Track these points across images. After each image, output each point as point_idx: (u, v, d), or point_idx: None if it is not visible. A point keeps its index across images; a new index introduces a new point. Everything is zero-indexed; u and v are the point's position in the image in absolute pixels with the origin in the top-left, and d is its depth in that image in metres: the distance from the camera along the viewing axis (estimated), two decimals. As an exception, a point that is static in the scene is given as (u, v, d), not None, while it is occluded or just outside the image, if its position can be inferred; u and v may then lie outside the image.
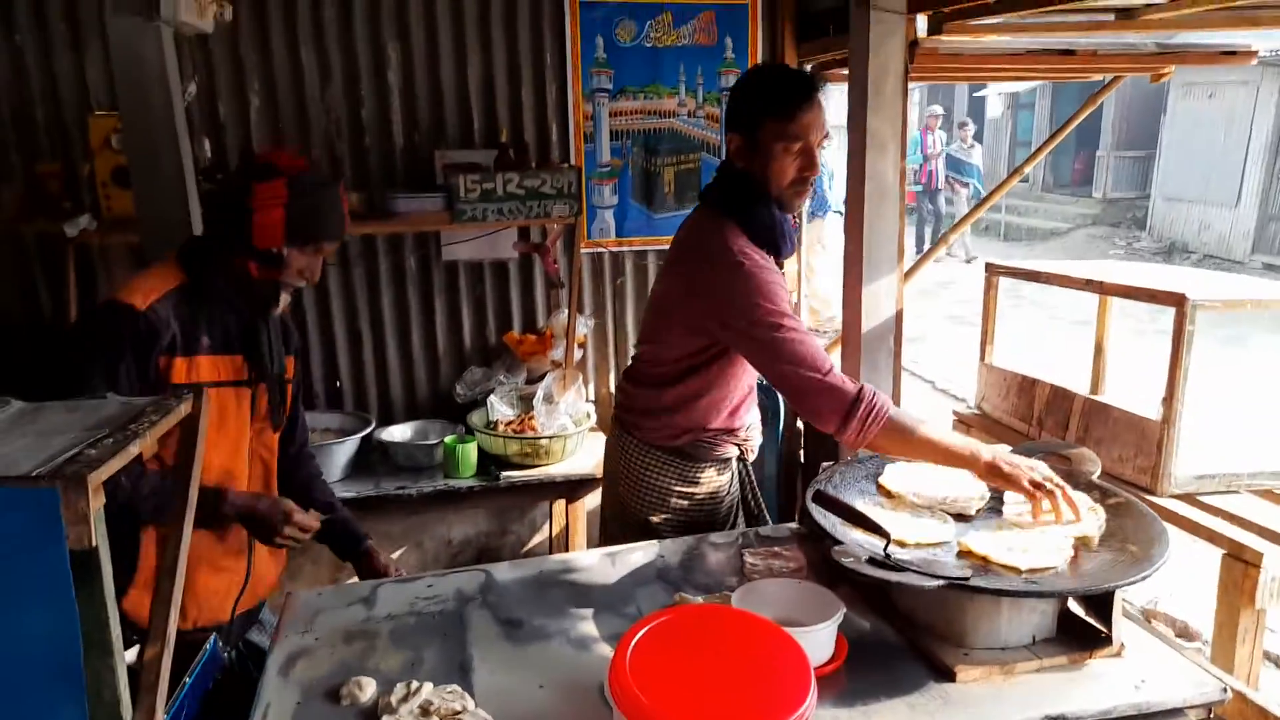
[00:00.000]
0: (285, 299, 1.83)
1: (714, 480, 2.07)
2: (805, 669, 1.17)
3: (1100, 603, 1.45)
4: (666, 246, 3.35)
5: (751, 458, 2.16)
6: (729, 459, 2.08)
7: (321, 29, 3.13)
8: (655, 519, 2.06)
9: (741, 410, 2.05)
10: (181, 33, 2.23)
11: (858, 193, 2.55)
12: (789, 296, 1.83)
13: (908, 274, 3.53)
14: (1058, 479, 1.63)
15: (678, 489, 2.04)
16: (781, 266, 1.94)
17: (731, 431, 2.04)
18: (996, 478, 1.65)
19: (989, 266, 3.11)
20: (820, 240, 4.78)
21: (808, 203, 3.82)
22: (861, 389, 1.70)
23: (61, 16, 2.94)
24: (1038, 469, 1.64)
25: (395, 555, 3.36)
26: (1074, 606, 1.53)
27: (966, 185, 12.40)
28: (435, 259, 3.40)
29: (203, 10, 2.23)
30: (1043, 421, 2.74)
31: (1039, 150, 3.93)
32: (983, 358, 3.12)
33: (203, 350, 1.74)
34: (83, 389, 1.57)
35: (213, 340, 1.76)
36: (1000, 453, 1.67)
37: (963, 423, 3.14)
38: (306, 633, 1.59)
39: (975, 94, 17.42)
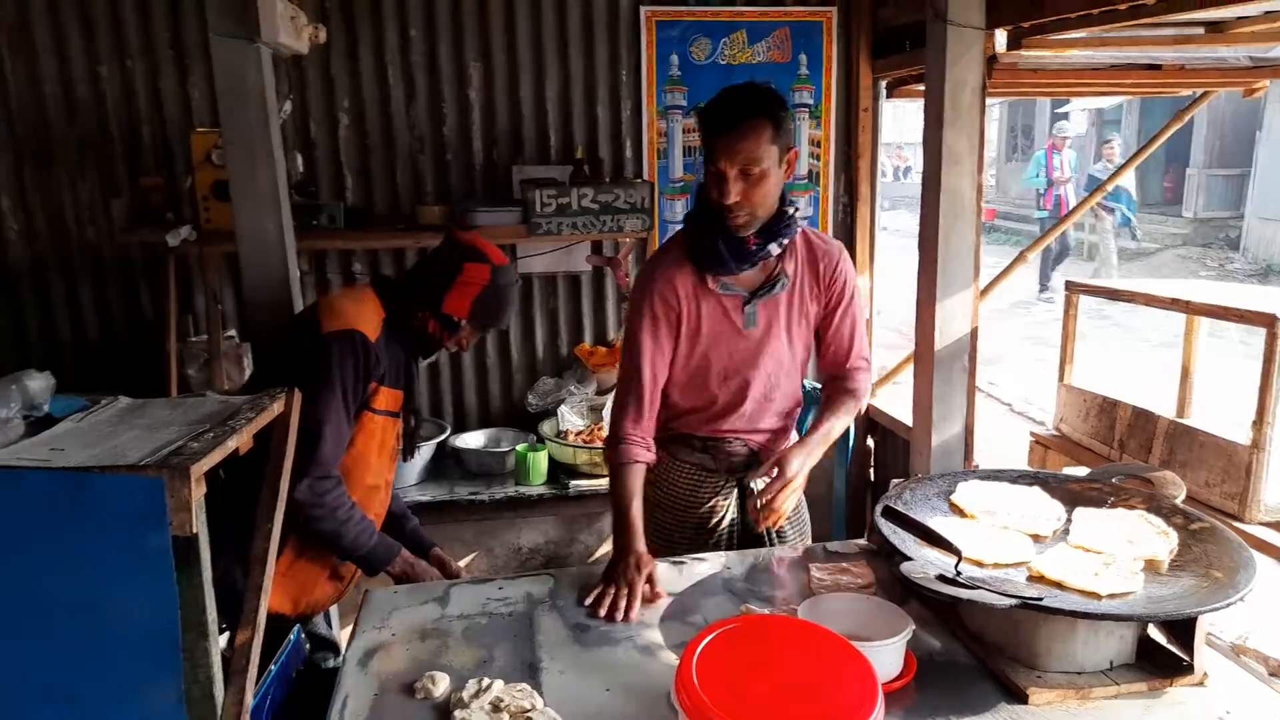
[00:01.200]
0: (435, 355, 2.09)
1: (685, 485, 2.04)
2: (872, 682, 1.17)
3: (1182, 629, 1.40)
4: (737, 261, 3.38)
5: (752, 482, 2.04)
6: (709, 469, 2.04)
7: (408, 49, 3.26)
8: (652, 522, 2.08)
9: (715, 414, 2.01)
10: (279, 54, 2.35)
11: (933, 208, 2.53)
12: (655, 326, 1.90)
13: (984, 291, 3.47)
14: (635, 582, 1.71)
15: (649, 488, 2.05)
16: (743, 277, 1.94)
17: (704, 434, 2.03)
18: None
19: (1069, 285, 3.04)
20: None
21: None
22: (624, 430, 1.91)
23: (168, 42, 3.13)
24: (635, 578, 1.72)
25: (465, 561, 3.44)
26: (1155, 634, 1.48)
27: (1112, 211, 10.26)
28: (518, 280, 3.47)
29: (299, 32, 2.34)
30: (1124, 444, 2.66)
31: (1122, 168, 3.83)
32: (1061, 378, 3.04)
33: (387, 382, 1.95)
34: (323, 405, 1.80)
35: (389, 374, 1.96)
36: (642, 554, 1.78)
37: (1040, 444, 3.06)
38: (383, 628, 1.65)
39: (1057, 109, 16.96)
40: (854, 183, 3.68)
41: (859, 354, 2.05)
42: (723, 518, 2.06)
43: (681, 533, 2.06)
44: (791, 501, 1.89)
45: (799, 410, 2.12)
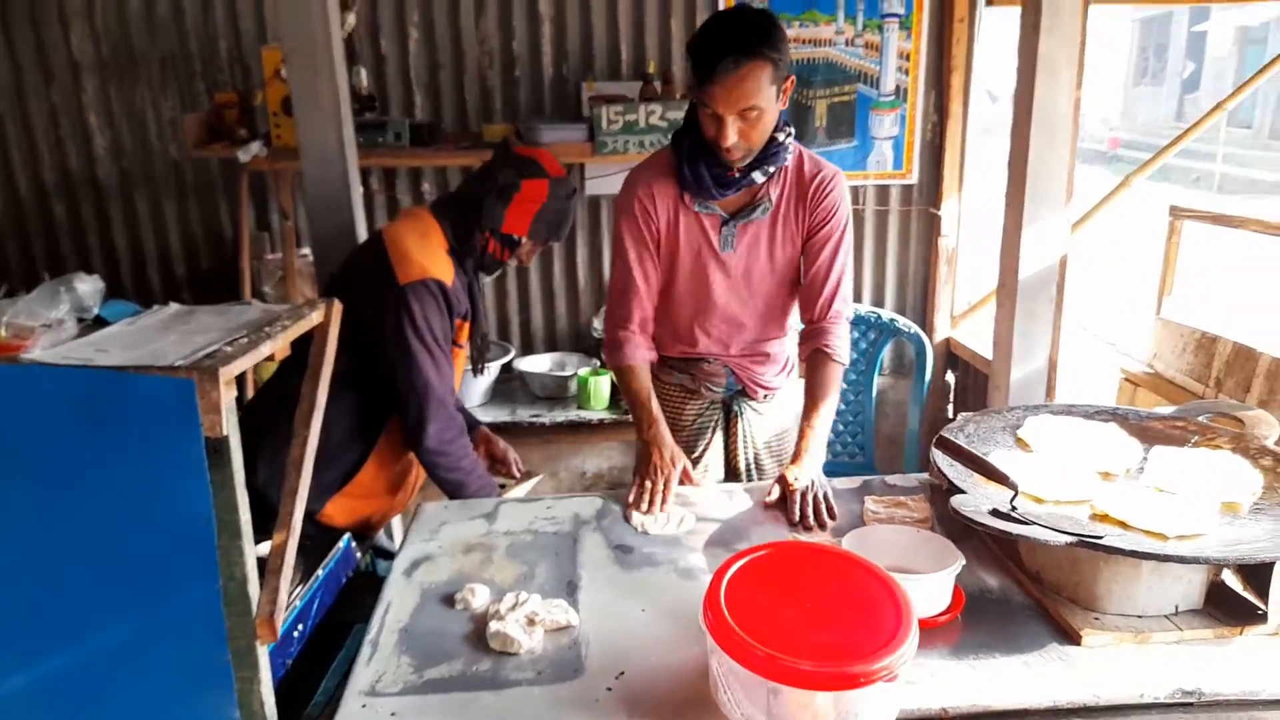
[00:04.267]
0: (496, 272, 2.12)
1: (669, 407, 2.06)
2: (905, 614, 1.12)
3: (1259, 575, 1.30)
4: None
5: (720, 391, 2.06)
6: (690, 389, 2.06)
7: (478, -41, 3.18)
8: None
9: (682, 332, 2.01)
10: (342, -36, 2.32)
11: (1023, 124, 2.35)
12: (638, 232, 1.88)
13: (1081, 219, 3.24)
14: (667, 470, 1.80)
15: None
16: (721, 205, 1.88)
17: (677, 355, 2.05)
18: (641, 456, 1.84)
19: (1174, 209, 2.80)
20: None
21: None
22: (620, 334, 1.92)
23: (242, -47, 3.13)
24: (668, 466, 1.80)
25: (531, 485, 3.49)
26: (1230, 579, 1.38)
27: None
28: (578, 193, 3.43)
29: (362, -58, 2.30)
30: (1221, 383, 2.46)
31: (1249, 80, 3.47)
32: (1158, 310, 2.83)
33: (466, 317, 2.00)
34: (422, 360, 1.87)
35: (464, 307, 1.99)
36: (668, 443, 1.85)
37: (1130, 381, 2.88)
38: (430, 541, 1.67)
39: (1195, 28, 15.51)
40: (945, 100, 3.46)
41: (840, 302, 1.91)
42: (709, 444, 2.10)
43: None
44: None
45: (784, 342, 2.07)
